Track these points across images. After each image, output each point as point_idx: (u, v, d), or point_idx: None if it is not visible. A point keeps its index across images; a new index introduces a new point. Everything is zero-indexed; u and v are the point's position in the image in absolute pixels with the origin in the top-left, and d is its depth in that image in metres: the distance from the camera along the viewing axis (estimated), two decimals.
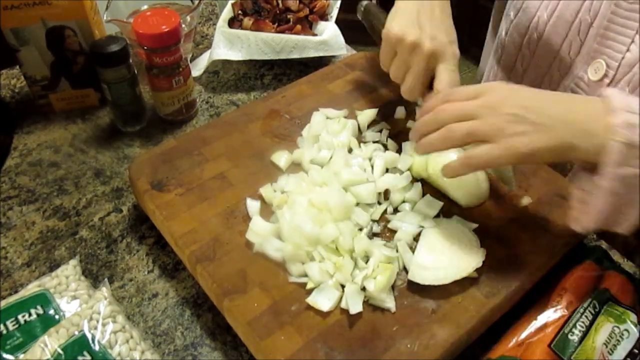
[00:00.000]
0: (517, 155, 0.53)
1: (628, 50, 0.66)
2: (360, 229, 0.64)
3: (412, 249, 0.62)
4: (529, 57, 0.78)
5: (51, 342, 0.54)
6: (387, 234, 0.65)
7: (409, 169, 0.69)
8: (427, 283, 0.58)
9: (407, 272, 0.60)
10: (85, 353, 0.54)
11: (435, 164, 0.66)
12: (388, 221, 0.65)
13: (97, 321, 0.56)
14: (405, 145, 0.72)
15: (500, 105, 0.53)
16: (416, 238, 0.63)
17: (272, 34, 0.91)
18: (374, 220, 0.65)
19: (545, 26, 0.73)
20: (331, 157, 0.70)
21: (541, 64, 0.77)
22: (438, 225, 0.64)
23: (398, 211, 0.67)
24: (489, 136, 0.53)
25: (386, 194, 0.68)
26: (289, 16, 0.95)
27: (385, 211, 0.66)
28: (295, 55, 0.91)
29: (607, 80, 0.69)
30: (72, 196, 0.75)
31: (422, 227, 0.64)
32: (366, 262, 0.60)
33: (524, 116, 0.52)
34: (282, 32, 0.92)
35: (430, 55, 0.64)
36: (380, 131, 0.76)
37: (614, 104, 0.52)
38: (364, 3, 0.80)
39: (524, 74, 0.80)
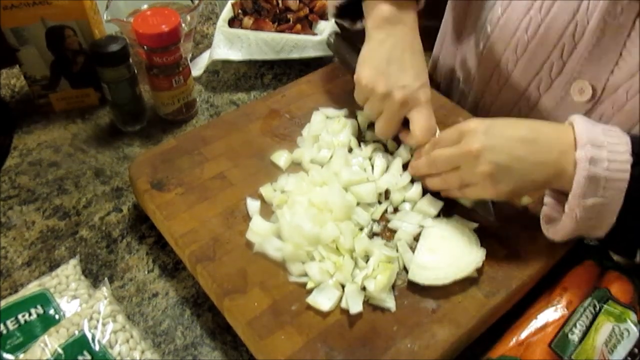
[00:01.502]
0: (502, 194, 0.59)
1: (612, 72, 0.66)
2: (361, 229, 0.64)
3: (413, 249, 0.62)
4: (506, 75, 0.77)
5: (51, 341, 0.54)
6: (387, 234, 0.65)
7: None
8: (427, 283, 0.58)
9: (407, 272, 0.60)
10: (85, 353, 0.54)
11: None
12: (388, 221, 0.65)
13: (97, 321, 0.56)
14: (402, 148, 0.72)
15: (481, 155, 0.58)
16: (416, 238, 0.63)
17: (272, 33, 0.91)
18: (374, 220, 0.65)
19: (525, 47, 0.72)
20: (331, 157, 0.70)
21: (520, 82, 0.76)
22: (438, 225, 0.64)
23: (398, 211, 0.67)
24: (478, 182, 0.59)
25: (386, 194, 0.68)
26: (289, 16, 0.95)
27: (385, 211, 0.66)
28: (295, 55, 0.91)
29: (592, 102, 0.69)
30: (72, 196, 0.75)
31: (422, 227, 0.64)
32: (366, 262, 0.60)
33: (502, 166, 0.57)
34: (282, 31, 0.92)
35: (402, 104, 0.66)
36: None
37: (580, 138, 0.55)
38: (332, 36, 0.81)
39: (499, 91, 0.80)
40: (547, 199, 0.62)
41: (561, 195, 0.59)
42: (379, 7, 0.69)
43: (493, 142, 0.58)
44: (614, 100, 0.67)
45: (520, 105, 0.78)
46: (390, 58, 0.67)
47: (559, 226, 0.58)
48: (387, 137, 0.71)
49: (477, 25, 0.82)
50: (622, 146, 0.55)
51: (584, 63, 0.68)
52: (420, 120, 0.66)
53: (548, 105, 0.74)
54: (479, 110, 0.85)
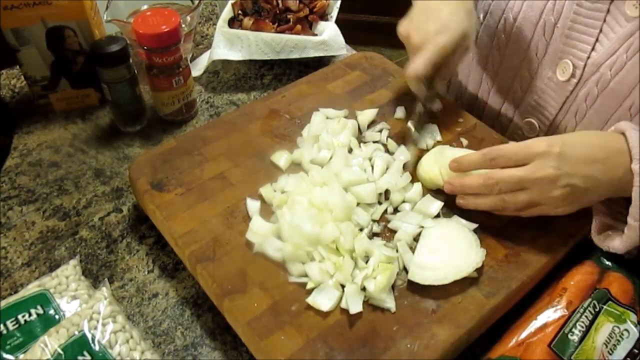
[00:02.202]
0: (570, 211, 0.60)
1: (593, 49, 0.67)
2: (361, 229, 0.64)
3: (413, 249, 0.62)
4: (499, 59, 0.79)
5: (51, 342, 0.54)
6: (387, 234, 0.64)
7: (423, 180, 0.69)
8: (427, 283, 0.58)
9: (407, 272, 0.60)
10: (85, 353, 0.54)
11: (448, 172, 0.65)
12: (388, 221, 0.65)
13: (97, 321, 0.56)
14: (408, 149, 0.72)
15: (558, 180, 0.57)
16: (416, 238, 0.63)
17: (272, 34, 0.91)
18: (374, 220, 0.65)
19: (512, 28, 0.74)
20: (331, 157, 0.70)
21: (511, 65, 0.78)
22: (438, 225, 0.64)
23: (398, 211, 0.67)
24: (550, 204, 0.59)
25: (386, 194, 0.68)
26: (289, 16, 0.95)
27: (385, 211, 0.66)
28: (295, 55, 0.91)
29: (574, 80, 0.69)
30: (72, 196, 0.75)
31: (422, 227, 0.64)
32: (366, 262, 0.60)
33: (579, 189, 0.57)
34: (282, 32, 0.92)
35: (415, 46, 0.70)
36: (380, 131, 0.76)
37: (635, 152, 0.56)
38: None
39: (495, 75, 0.81)
40: (599, 211, 0.63)
41: (614, 205, 0.60)
42: None
43: (569, 166, 0.57)
44: (599, 79, 0.67)
45: (515, 87, 0.79)
46: (419, 6, 0.72)
47: (622, 238, 0.59)
48: (409, 81, 0.72)
49: None
50: None
51: (566, 41, 0.69)
52: (412, 62, 0.69)
53: (539, 87, 0.75)
54: (478, 97, 0.86)
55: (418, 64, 0.68)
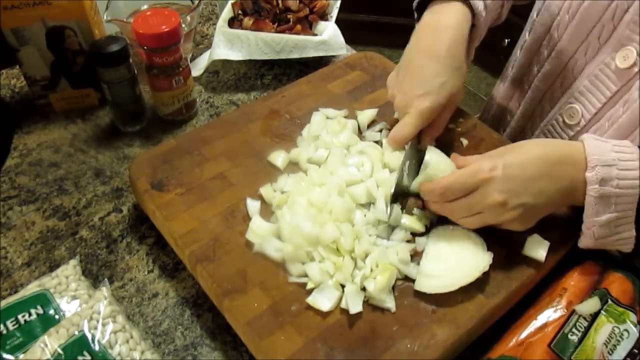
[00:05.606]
0: (529, 226, 0.61)
1: None
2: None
3: (411, 256, 0.61)
4: (556, 39, 0.77)
5: (51, 342, 0.54)
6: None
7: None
8: (434, 292, 0.57)
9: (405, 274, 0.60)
10: (85, 353, 0.54)
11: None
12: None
13: (97, 321, 0.56)
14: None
15: (507, 204, 0.58)
16: (410, 241, 0.63)
17: (272, 34, 0.91)
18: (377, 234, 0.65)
19: (578, 8, 0.72)
20: (328, 156, 0.70)
21: (568, 47, 0.75)
22: (443, 232, 0.63)
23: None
24: (504, 224, 0.60)
25: None
26: (289, 16, 0.95)
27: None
28: (295, 55, 0.91)
29: (636, 69, 0.67)
30: (72, 196, 0.75)
31: (409, 240, 0.63)
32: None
33: (529, 206, 0.58)
34: (282, 32, 0.92)
35: (399, 108, 0.70)
36: (380, 131, 0.76)
37: (590, 160, 0.57)
38: None
39: (547, 57, 0.79)
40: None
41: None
42: (425, 15, 0.71)
43: (515, 186, 0.57)
44: None
45: (566, 71, 0.77)
46: (405, 61, 0.70)
47: (580, 242, 0.61)
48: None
49: None
50: (633, 162, 0.56)
51: (634, 28, 0.67)
52: (395, 128, 0.69)
53: (593, 72, 0.73)
54: (523, 80, 0.85)
55: (399, 130, 0.68)
